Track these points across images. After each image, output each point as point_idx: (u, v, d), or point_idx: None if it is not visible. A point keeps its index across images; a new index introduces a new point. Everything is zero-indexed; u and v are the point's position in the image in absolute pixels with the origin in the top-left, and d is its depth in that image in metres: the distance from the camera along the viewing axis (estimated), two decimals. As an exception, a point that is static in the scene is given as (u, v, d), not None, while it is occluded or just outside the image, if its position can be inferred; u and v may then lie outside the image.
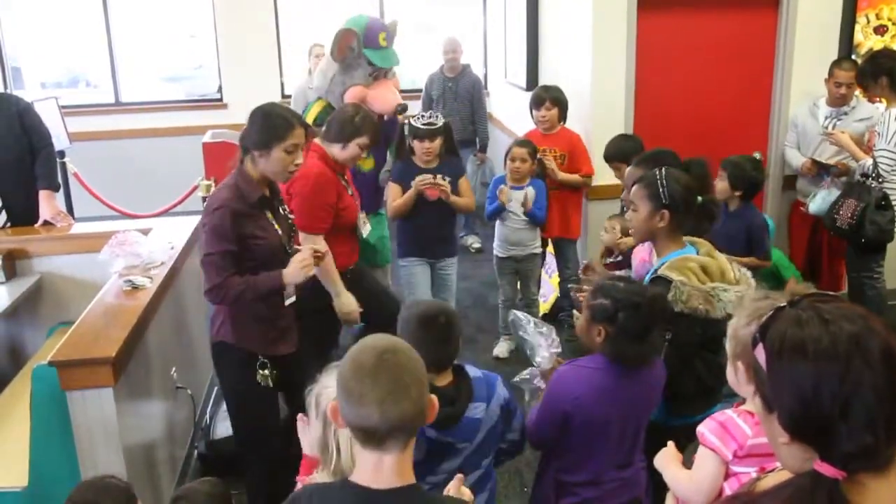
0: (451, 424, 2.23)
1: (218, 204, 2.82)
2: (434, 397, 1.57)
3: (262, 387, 2.95)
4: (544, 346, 2.58)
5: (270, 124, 2.82)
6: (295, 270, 2.87)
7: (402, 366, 1.51)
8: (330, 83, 4.53)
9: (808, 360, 1.16)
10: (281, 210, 3.04)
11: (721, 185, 3.79)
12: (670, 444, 2.10)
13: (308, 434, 2.03)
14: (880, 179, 4.36)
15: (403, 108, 4.48)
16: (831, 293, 1.31)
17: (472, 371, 2.40)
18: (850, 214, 4.41)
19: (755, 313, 1.79)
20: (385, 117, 4.46)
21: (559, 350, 2.62)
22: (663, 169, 2.76)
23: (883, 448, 1.15)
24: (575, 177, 4.79)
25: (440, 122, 4.21)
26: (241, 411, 3.10)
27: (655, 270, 2.66)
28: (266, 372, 2.96)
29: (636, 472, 2.55)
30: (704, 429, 1.95)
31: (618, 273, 3.16)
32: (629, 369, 2.42)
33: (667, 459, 2.06)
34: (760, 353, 1.23)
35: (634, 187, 2.78)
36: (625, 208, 3.98)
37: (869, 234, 4.38)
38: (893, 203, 4.40)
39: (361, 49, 4.44)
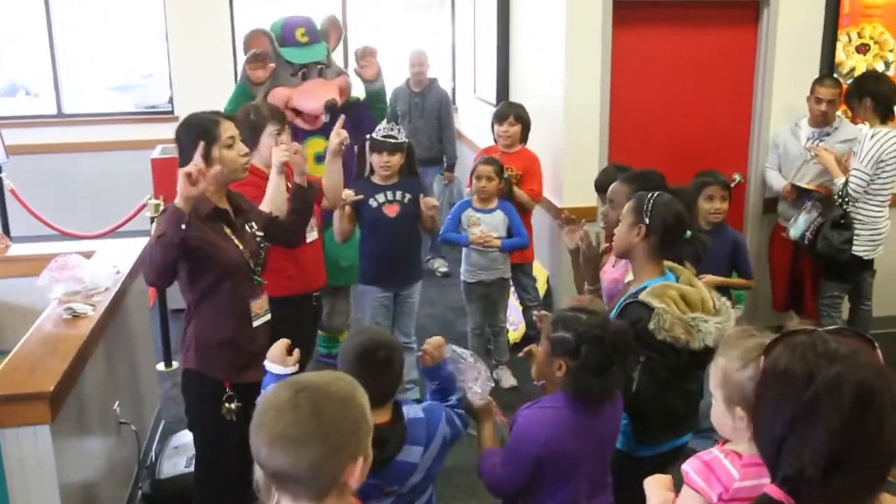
0: (375, 468, 2.10)
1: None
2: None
3: (227, 422, 2.86)
4: (482, 378, 2.53)
5: (199, 131, 2.78)
6: (181, 180, 2.58)
7: (318, 412, 1.40)
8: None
9: (779, 383, 1.32)
10: (247, 228, 2.97)
11: None
12: (668, 477, 1.99)
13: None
14: (847, 199, 4.38)
15: (332, 105, 4.31)
16: (833, 327, 1.40)
17: (414, 412, 2.36)
18: (811, 231, 4.48)
19: (748, 355, 1.78)
20: (326, 117, 4.33)
21: (492, 384, 2.60)
22: (661, 194, 2.74)
23: (825, 483, 1.25)
24: (527, 197, 4.69)
25: (402, 137, 4.07)
26: (202, 446, 3.06)
27: (633, 295, 2.63)
28: (232, 406, 2.87)
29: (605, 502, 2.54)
30: (689, 468, 1.85)
31: (577, 304, 3.07)
32: (593, 405, 2.39)
33: (656, 489, 1.95)
34: None
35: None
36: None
37: (819, 250, 4.41)
38: (856, 225, 4.41)
39: (278, 50, 4.41)
